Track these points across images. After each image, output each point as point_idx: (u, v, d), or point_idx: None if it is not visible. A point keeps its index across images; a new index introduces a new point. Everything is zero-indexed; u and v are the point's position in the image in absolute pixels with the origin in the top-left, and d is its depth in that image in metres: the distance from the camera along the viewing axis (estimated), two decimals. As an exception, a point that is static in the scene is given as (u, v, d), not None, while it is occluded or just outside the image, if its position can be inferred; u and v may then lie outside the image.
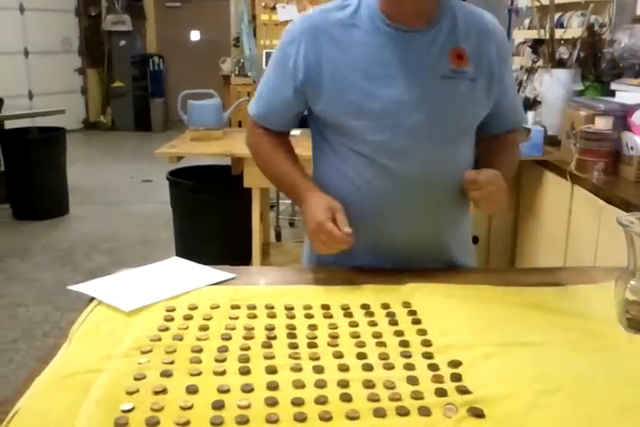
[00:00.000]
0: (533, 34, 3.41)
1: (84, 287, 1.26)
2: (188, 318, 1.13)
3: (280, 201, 4.58)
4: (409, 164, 1.30)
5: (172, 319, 1.13)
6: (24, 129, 5.12)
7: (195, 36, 10.46)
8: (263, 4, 6.57)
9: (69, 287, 1.28)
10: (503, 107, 1.41)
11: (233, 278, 1.31)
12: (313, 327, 1.10)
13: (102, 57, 9.51)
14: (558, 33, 3.11)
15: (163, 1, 10.19)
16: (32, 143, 4.95)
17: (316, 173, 1.45)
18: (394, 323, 1.12)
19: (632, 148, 2.29)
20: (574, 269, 1.50)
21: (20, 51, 8.18)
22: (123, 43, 9.41)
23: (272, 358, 1.00)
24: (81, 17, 9.24)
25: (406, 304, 1.19)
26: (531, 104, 3.00)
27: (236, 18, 7.33)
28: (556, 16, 3.26)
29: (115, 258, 4.14)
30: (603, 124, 2.36)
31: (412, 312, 1.16)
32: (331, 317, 1.14)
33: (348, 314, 1.15)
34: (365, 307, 1.18)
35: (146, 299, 1.20)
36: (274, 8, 6.72)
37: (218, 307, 1.17)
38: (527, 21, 3.86)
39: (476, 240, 3.12)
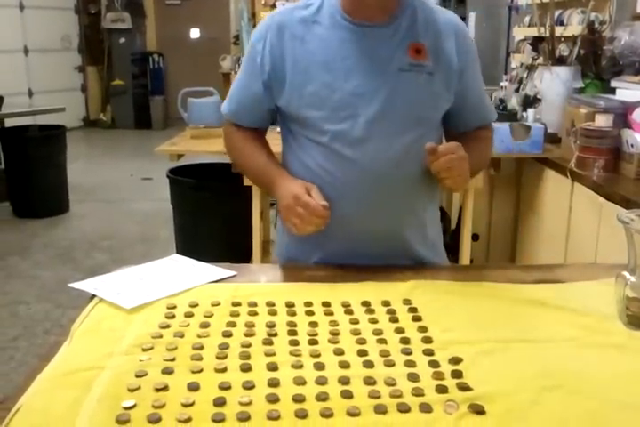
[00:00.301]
0: (533, 31, 3.40)
1: (85, 285, 1.27)
2: (188, 315, 1.13)
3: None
4: (366, 152, 1.34)
5: (173, 317, 1.13)
6: (24, 127, 5.12)
7: (194, 33, 10.45)
8: (263, 2, 6.57)
9: (70, 285, 1.28)
10: (469, 102, 1.45)
11: (234, 276, 1.31)
12: (314, 324, 1.10)
13: (102, 55, 9.51)
14: (558, 30, 3.10)
15: (162, -2, 10.19)
16: (32, 141, 4.95)
17: (285, 167, 1.48)
18: (394, 320, 1.12)
19: (632, 145, 2.29)
20: (575, 266, 1.51)
21: (19, 49, 8.18)
22: (122, 40, 9.41)
23: (273, 355, 1.00)
24: (81, 15, 9.25)
25: (407, 301, 1.19)
26: (531, 102, 3.00)
27: (235, 15, 7.33)
28: (556, 13, 3.26)
29: (115, 256, 4.14)
30: (603, 121, 2.36)
31: (413, 309, 1.16)
32: (331, 314, 1.15)
33: (348, 311, 1.16)
34: (366, 304, 1.18)
35: (147, 296, 1.21)
36: (274, 5, 6.71)
37: (219, 304, 1.17)
38: (527, 19, 3.86)
39: (476, 237, 3.13)
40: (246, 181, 2.90)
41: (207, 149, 3.02)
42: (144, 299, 1.19)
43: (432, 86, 1.36)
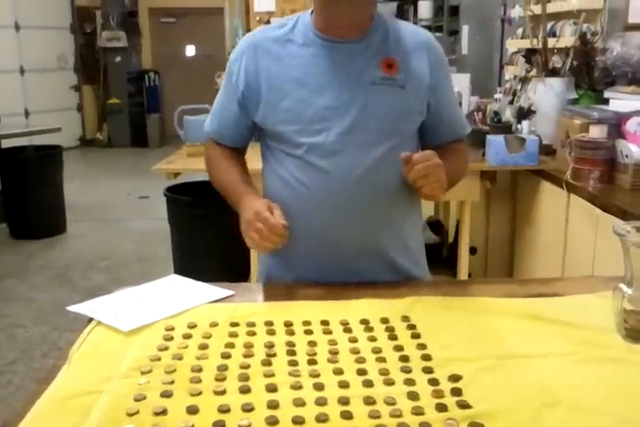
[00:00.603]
0: (526, 43, 3.43)
1: (83, 308, 1.26)
2: (187, 336, 1.13)
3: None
4: (340, 163, 1.37)
5: (171, 338, 1.12)
6: (21, 148, 5.13)
7: (190, 50, 10.52)
8: (258, 19, 6.62)
9: (68, 308, 1.27)
10: (443, 116, 1.49)
11: (232, 296, 1.31)
12: (312, 344, 1.10)
13: (98, 73, 9.56)
14: (551, 42, 3.12)
15: (158, 17, 10.26)
16: (29, 162, 4.96)
17: (263, 182, 1.52)
18: (393, 337, 1.12)
19: (627, 155, 2.29)
20: (573, 279, 1.51)
21: (15, 69, 8.23)
22: (118, 59, 9.46)
23: (272, 375, 0.99)
24: (76, 34, 9.30)
25: (405, 318, 1.19)
26: (525, 113, 3.01)
27: (230, 32, 7.36)
28: (549, 25, 3.28)
29: (113, 276, 4.14)
30: (597, 132, 2.36)
31: (412, 326, 1.16)
32: (330, 333, 1.14)
33: (347, 329, 1.15)
34: (364, 322, 1.18)
35: (145, 318, 1.20)
36: (268, 22, 6.75)
37: (217, 325, 1.17)
38: (520, 31, 3.89)
39: (474, 251, 3.13)
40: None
41: (204, 166, 3.01)
42: (142, 321, 1.19)
43: (404, 99, 1.40)
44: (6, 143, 5.22)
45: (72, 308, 1.27)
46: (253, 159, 1.58)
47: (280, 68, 1.40)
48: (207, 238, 3.45)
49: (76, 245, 4.90)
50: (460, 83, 3.48)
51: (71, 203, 5.40)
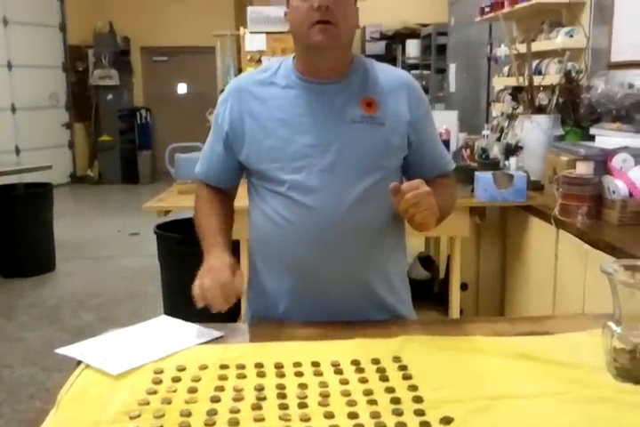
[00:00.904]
0: (512, 81, 3.49)
1: (71, 350, 1.25)
2: (176, 380, 1.12)
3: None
4: (322, 200, 1.40)
5: (160, 382, 1.11)
6: (11, 185, 5.13)
7: (182, 88, 10.63)
8: (249, 58, 6.71)
9: (56, 351, 1.26)
10: (426, 153, 1.53)
11: (221, 337, 1.30)
12: (303, 386, 1.09)
13: (90, 111, 9.62)
14: (537, 80, 3.18)
15: (150, 55, 10.39)
16: (19, 200, 4.95)
17: (249, 218, 1.54)
18: (384, 379, 1.11)
19: (614, 191, 2.32)
20: (562, 318, 1.51)
21: (7, 107, 8.27)
22: (110, 97, 9.54)
23: (262, 420, 0.98)
24: (68, 72, 9.38)
25: (397, 359, 1.18)
26: (513, 150, 3.05)
27: (222, 70, 7.45)
28: (534, 63, 3.35)
29: (102, 314, 4.09)
30: (584, 168, 2.39)
31: (403, 367, 1.15)
32: (321, 374, 1.13)
33: (338, 371, 1.14)
34: (355, 363, 1.17)
35: (134, 361, 1.19)
36: (259, 61, 6.86)
37: (206, 368, 1.16)
38: (506, 69, 3.96)
39: (465, 287, 3.13)
40: (234, 235, 2.91)
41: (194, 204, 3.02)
42: (131, 364, 1.18)
43: (384, 136, 1.44)
44: (-4, 181, 5.22)
45: (60, 350, 1.25)
46: (242, 195, 1.60)
47: (264, 109, 1.45)
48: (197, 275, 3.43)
49: (65, 283, 4.86)
50: (448, 119, 3.53)
51: (61, 240, 5.38)
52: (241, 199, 1.60)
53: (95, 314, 4.12)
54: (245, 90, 1.48)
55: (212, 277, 1.34)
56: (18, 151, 8.32)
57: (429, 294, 3.38)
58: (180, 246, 3.48)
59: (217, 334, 1.31)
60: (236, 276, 1.35)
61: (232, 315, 3.04)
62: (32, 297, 4.48)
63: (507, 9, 3.70)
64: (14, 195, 5.03)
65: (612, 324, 1.09)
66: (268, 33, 6.00)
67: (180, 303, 3.39)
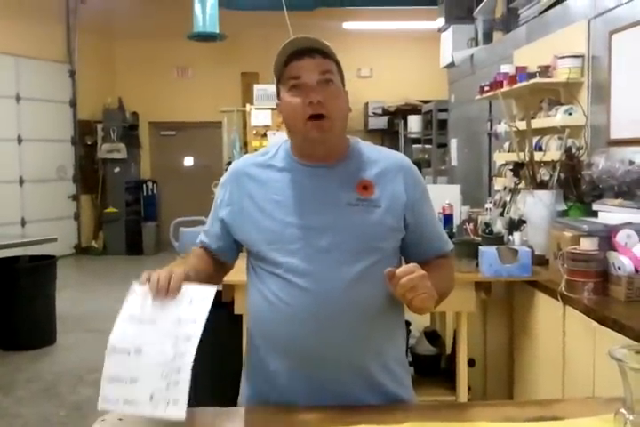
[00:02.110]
0: (513, 157, 3.53)
1: (111, 403, 1.22)
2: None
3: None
4: (318, 282, 1.40)
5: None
6: (15, 258, 5.13)
7: (188, 161, 10.82)
8: (254, 132, 6.87)
9: (100, 408, 1.23)
10: (424, 234, 1.54)
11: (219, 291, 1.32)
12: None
13: (96, 183, 9.75)
14: (537, 156, 3.22)
15: (157, 129, 10.63)
16: (22, 272, 4.94)
17: (247, 297, 1.55)
18: (390, 468, 1.07)
19: (619, 268, 2.31)
20: (572, 401, 1.47)
21: (15, 180, 8.39)
22: (117, 169, 9.69)
23: None
24: (77, 146, 9.56)
25: (402, 445, 1.14)
26: (516, 225, 3.06)
27: (228, 144, 7.61)
28: (534, 140, 3.40)
29: (101, 390, 4.00)
30: (588, 244, 2.39)
31: (409, 454, 1.11)
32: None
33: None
34: (360, 450, 1.13)
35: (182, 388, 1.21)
36: (265, 135, 7.01)
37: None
38: (507, 145, 4.02)
39: (472, 363, 3.06)
40: (237, 310, 2.89)
41: (197, 278, 3.01)
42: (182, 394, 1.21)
43: (380, 218, 1.45)
44: (0, 253, 5.22)
45: (102, 407, 1.22)
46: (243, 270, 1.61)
47: (261, 191, 1.49)
48: (198, 351, 3.37)
49: (65, 357, 4.77)
50: (451, 194, 3.56)
51: (62, 313, 5.32)
52: (242, 274, 1.60)
53: (94, 389, 3.98)
54: (243, 172, 1.53)
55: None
56: (23, 223, 8.38)
57: (436, 369, 3.30)
58: (182, 321, 3.43)
59: (211, 290, 1.32)
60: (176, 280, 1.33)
61: (232, 390, 2.97)
62: (30, 371, 4.40)
63: (506, 88, 3.80)
64: (17, 267, 5.02)
65: (624, 411, 1.06)
66: (273, 109, 6.17)
67: (181, 380, 3.34)
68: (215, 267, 1.60)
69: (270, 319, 1.43)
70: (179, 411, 1.17)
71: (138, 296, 1.35)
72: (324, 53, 1.44)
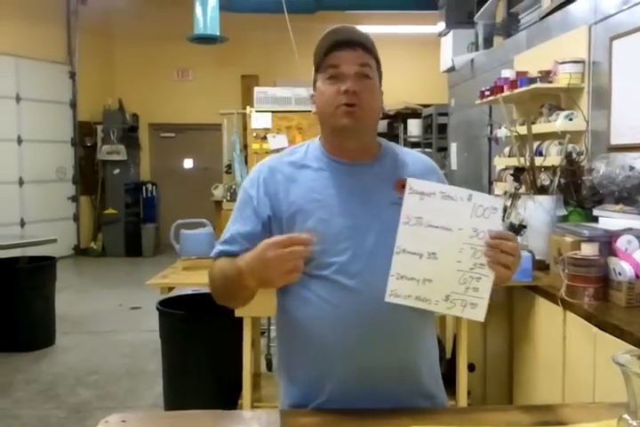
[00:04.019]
0: (514, 161, 3.54)
1: (402, 297, 1.32)
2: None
3: (271, 327, 4.52)
4: (366, 282, 1.38)
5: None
6: (14, 258, 5.13)
7: (188, 163, 10.83)
8: (254, 135, 6.87)
9: (387, 300, 1.31)
10: None
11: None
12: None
13: (96, 185, 9.75)
14: (538, 161, 3.23)
15: (157, 131, 10.64)
16: (21, 273, 4.94)
17: (281, 312, 1.49)
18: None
19: (620, 273, 2.31)
20: (574, 406, 1.47)
21: (14, 180, 8.39)
22: (117, 171, 9.69)
23: None
24: (77, 147, 9.56)
25: (406, 450, 1.15)
26: (517, 229, 3.06)
27: (228, 147, 7.61)
28: (535, 145, 3.41)
29: (100, 391, 4.01)
30: (589, 250, 2.39)
31: (413, 459, 1.12)
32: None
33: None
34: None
35: None
36: (264, 138, 7.02)
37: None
38: (507, 150, 4.02)
39: (472, 367, 3.06)
40: (237, 313, 2.88)
41: (199, 281, 3.01)
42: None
43: None
44: (0, 254, 5.22)
45: None
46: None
47: (300, 190, 1.45)
48: (199, 353, 3.38)
49: (64, 358, 4.77)
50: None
51: (61, 314, 5.33)
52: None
53: (92, 391, 4.03)
54: (277, 170, 1.48)
55: (271, 243, 1.25)
56: (23, 223, 8.38)
57: (435, 374, 3.31)
58: (182, 323, 3.44)
59: (499, 201, 1.36)
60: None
61: (234, 393, 2.97)
62: (29, 373, 4.40)
63: (506, 93, 3.81)
64: (17, 268, 5.02)
65: (627, 416, 1.06)
66: (273, 112, 6.18)
67: (181, 382, 3.35)
68: None
69: (316, 324, 1.39)
70: (478, 313, 1.26)
71: (415, 197, 1.33)
72: (366, 48, 1.44)
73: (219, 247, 1.50)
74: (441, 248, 1.31)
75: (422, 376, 1.46)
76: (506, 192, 3.63)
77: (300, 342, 1.44)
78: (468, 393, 2.96)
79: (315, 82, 1.48)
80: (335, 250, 1.39)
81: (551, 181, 3.12)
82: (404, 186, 1.43)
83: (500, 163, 4.17)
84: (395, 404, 1.37)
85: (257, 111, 6.49)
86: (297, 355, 1.46)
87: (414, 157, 1.56)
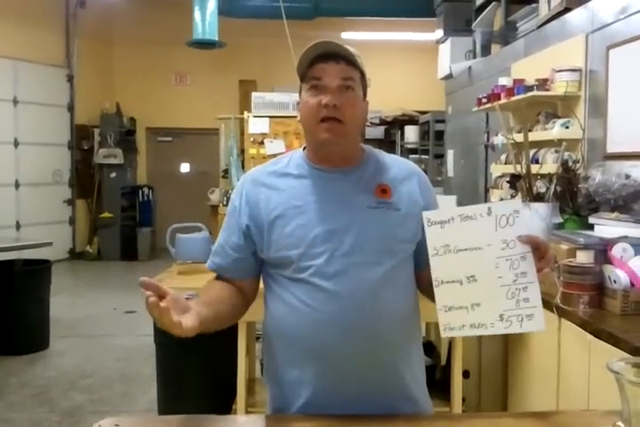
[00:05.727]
0: (510, 169, 3.55)
1: (457, 329, 1.33)
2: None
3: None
4: (344, 284, 1.40)
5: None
6: (9, 261, 5.11)
7: (185, 167, 10.83)
8: (252, 140, 6.88)
9: (443, 335, 1.36)
10: None
11: None
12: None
13: (92, 188, 9.74)
14: (534, 168, 3.23)
15: (155, 135, 10.64)
16: (16, 276, 4.92)
17: (266, 311, 1.54)
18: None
19: (615, 281, 2.32)
20: (569, 413, 1.47)
21: (11, 183, 8.38)
22: (113, 175, 9.68)
23: None
24: (73, 150, 9.55)
25: (400, 456, 1.15)
26: (512, 236, 3.06)
27: (225, 151, 7.61)
28: (531, 152, 3.42)
29: (93, 396, 3.99)
30: (584, 257, 2.40)
31: (407, 465, 1.12)
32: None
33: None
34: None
35: None
36: (262, 143, 7.03)
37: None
38: (503, 157, 4.04)
39: (467, 374, 3.06)
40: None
41: (194, 285, 2.99)
42: None
43: (401, 221, 1.48)
44: (-5, 257, 5.21)
45: None
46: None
47: (280, 198, 1.48)
48: (194, 357, 3.37)
49: (58, 362, 4.75)
50: (448, 204, 3.57)
51: (56, 317, 5.31)
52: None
53: (86, 395, 4.01)
54: (259, 181, 1.53)
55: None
56: (18, 226, 8.36)
57: (431, 380, 3.28)
58: (177, 328, 3.42)
59: (516, 203, 1.36)
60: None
61: (228, 399, 2.97)
62: (23, 376, 4.38)
63: (503, 100, 3.82)
64: (12, 271, 5.00)
65: (621, 424, 1.07)
66: (270, 117, 6.19)
67: (176, 386, 3.34)
68: (231, 294, 1.51)
69: (296, 327, 1.42)
70: (538, 323, 1.25)
71: (435, 227, 1.34)
72: (350, 62, 1.46)
73: (210, 259, 1.58)
74: (477, 269, 1.31)
75: (404, 378, 1.46)
76: (502, 199, 3.64)
77: (282, 344, 1.47)
78: (463, 400, 2.96)
79: (300, 91, 1.51)
80: (312, 253, 1.42)
81: (547, 189, 3.12)
82: (383, 190, 1.48)
83: (496, 170, 4.18)
84: (376, 407, 1.38)
85: (254, 116, 6.50)
86: (279, 356, 1.48)
87: (396, 162, 1.58)
